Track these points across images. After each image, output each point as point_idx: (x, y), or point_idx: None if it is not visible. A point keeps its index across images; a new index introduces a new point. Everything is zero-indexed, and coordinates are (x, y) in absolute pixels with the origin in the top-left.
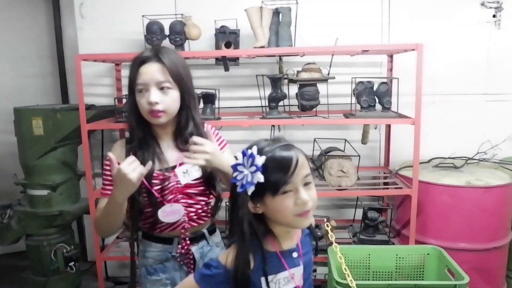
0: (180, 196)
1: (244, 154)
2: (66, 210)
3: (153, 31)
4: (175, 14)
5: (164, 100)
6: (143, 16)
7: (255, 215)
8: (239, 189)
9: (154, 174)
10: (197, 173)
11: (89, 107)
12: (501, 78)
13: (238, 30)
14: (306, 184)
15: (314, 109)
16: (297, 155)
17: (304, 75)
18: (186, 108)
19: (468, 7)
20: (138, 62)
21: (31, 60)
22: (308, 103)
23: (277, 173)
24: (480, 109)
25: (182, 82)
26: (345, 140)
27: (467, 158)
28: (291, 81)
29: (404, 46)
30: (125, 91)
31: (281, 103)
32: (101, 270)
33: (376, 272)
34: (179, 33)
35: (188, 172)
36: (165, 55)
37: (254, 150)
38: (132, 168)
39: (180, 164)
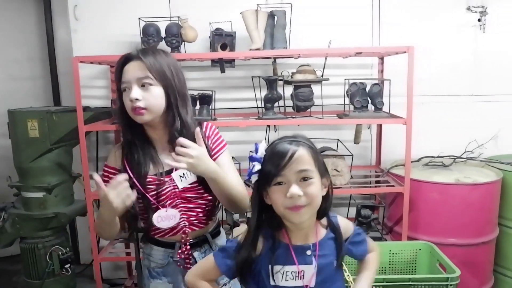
0: (179, 201)
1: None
2: (62, 212)
3: (149, 33)
4: (170, 17)
5: (145, 97)
6: (139, 18)
7: (271, 208)
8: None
9: (149, 179)
10: (194, 177)
11: (84, 109)
12: (486, 79)
13: (234, 33)
14: (305, 180)
15: (309, 110)
16: (295, 149)
17: (299, 77)
18: (172, 106)
19: (454, 11)
20: (121, 61)
21: (21, 63)
22: (302, 104)
23: (270, 164)
24: (466, 110)
25: (165, 78)
26: (338, 140)
27: (455, 157)
28: (286, 82)
29: (396, 48)
30: None
31: (276, 104)
32: (98, 271)
33: None
34: (175, 35)
35: (185, 176)
36: (148, 53)
37: (262, 144)
38: (116, 193)
39: (177, 168)
